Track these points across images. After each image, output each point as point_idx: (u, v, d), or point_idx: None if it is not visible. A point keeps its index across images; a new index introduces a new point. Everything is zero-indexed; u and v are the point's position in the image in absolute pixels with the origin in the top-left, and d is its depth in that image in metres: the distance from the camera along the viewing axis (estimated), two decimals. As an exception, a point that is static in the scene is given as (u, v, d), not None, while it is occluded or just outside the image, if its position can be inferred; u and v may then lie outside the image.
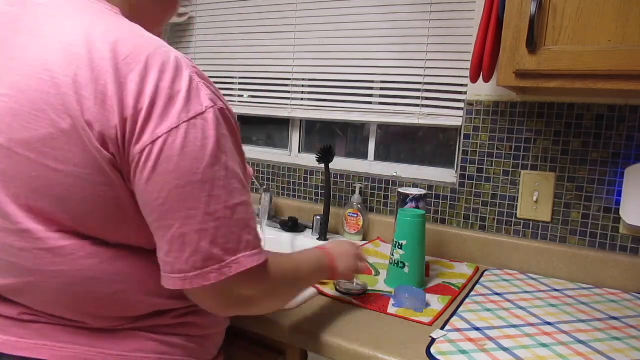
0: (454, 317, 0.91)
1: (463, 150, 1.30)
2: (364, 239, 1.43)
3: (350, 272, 0.88)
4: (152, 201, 0.56)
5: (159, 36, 0.61)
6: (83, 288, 0.59)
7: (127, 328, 0.62)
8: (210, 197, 0.56)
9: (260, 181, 1.66)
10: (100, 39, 0.55)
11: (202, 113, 0.56)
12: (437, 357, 0.76)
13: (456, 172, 1.35)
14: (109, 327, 0.62)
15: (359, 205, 1.42)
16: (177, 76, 0.56)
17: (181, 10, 1.72)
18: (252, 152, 1.73)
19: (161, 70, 0.55)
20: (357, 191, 1.43)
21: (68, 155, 0.54)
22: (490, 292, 1.05)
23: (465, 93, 1.29)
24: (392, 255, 1.07)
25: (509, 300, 1.00)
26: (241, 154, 0.64)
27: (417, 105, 1.38)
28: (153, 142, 0.54)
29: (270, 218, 1.48)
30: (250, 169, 0.69)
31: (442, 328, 0.86)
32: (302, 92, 1.58)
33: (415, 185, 1.38)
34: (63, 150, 0.54)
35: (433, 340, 0.81)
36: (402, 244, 1.04)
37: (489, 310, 0.95)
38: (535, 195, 1.21)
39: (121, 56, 0.54)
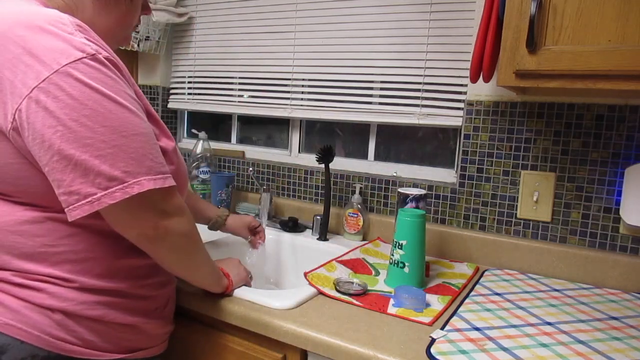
0: (454, 317, 0.91)
1: (463, 150, 1.30)
2: (364, 239, 1.43)
3: (242, 281, 1.00)
4: (49, 136, 0.62)
5: (114, 45, 0.73)
6: None
7: None
8: (104, 127, 0.64)
9: (260, 181, 1.66)
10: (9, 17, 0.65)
11: (84, 57, 0.64)
12: (437, 357, 0.76)
13: (456, 172, 1.35)
14: None
15: (359, 205, 1.42)
16: (59, 27, 0.65)
17: (181, 10, 1.72)
18: (252, 152, 1.73)
19: (35, 26, 0.64)
20: (357, 191, 1.43)
21: None
22: (490, 292, 1.05)
23: (465, 93, 1.29)
24: (392, 255, 1.07)
25: (509, 300, 1.01)
26: (136, 98, 0.71)
27: (417, 105, 1.38)
28: (41, 81, 0.62)
29: (270, 218, 1.48)
30: (170, 143, 0.78)
31: (442, 328, 0.86)
32: (302, 92, 1.58)
33: (415, 185, 1.38)
34: None
35: (433, 340, 0.81)
36: (402, 244, 1.04)
37: (489, 310, 0.95)
38: (535, 195, 1.21)
39: (9, 20, 0.65)
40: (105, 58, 0.67)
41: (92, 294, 0.72)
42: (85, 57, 0.64)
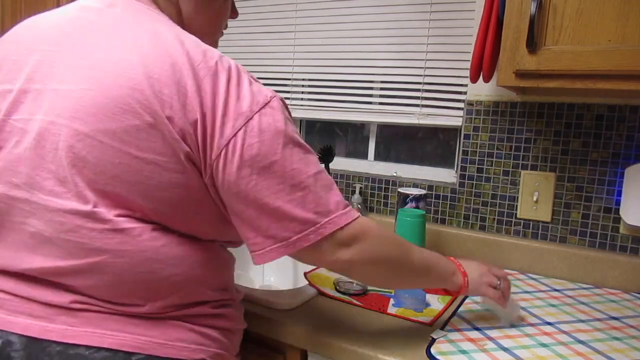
0: (454, 317, 0.91)
1: (463, 150, 1.30)
2: (364, 239, 1.42)
3: (484, 285, 0.84)
4: (244, 186, 0.63)
5: (212, 46, 0.69)
6: (143, 269, 0.63)
7: (171, 317, 0.66)
8: (293, 170, 0.64)
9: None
10: (176, 46, 0.62)
11: (268, 102, 0.64)
12: (437, 357, 0.76)
13: (456, 172, 1.35)
14: (156, 313, 0.65)
15: (359, 205, 1.41)
16: (240, 78, 0.64)
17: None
18: (252, 152, 1.72)
19: (228, 74, 0.63)
20: (357, 191, 1.43)
21: (149, 145, 0.60)
22: (490, 292, 1.05)
23: (465, 93, 1.29)
24: (392, 255, 1.07)
25: (509, 300, 1.00)
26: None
27: (417, 105, 1.38)
28: (235, 134, 0.61)
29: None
30: None
31: (442, 328, 0.86)
32: (302, 92, 1.58)
33: (415, 185, 1.38)
34: (146, 140, 0.60)
35: (433, 340, 0.81)
36: (402, 244, 1.04)
37: (489, 310, 0.95)
38: (535, 195, 1.21)
39: (195, 62, 0.62)
40: (278, 98, 0.67)
41: (238, 309, 0.78)
42: (270, 100, 0.65)
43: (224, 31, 0.88)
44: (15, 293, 0.63)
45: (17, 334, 0.60)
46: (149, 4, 0.70)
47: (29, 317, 0.61)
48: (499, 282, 0.85)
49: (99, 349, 0.61)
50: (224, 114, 0.61)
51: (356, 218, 0.69)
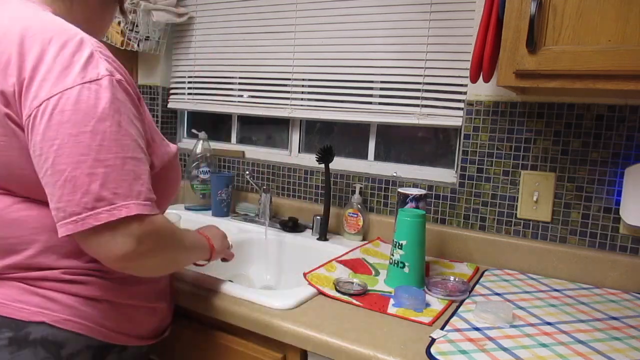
0: (454, 317, 0.91)
1: (463, 150, 1.30)
2: (364, 239, 1.43)
3: (224, 250, 1.00)
4: (46, 149, 0.63)
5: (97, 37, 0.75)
6: None
7: (11, 278, 0.69)
8: (101, 146, 0.64)
9: (260, 181, 1.66)
10: (17, 22, 0.68)
11: (97, 79, 0.66)
12: (437, 357, 0.76)
13: (456, 172, 1.35)
14: None
15: (359, 205, 1.42)
16: (78, 50, 0.67)
17: (181, 10, 1.72)
18: (252, 152, 1.73)
19: (63, 44, 0.66)
20: (357, 191, 1.43)
21: None
22: (490, 292, 1.05)
23: (465, 93, 1.29)
24: (392, 255, 1.07)
25: (509, 300, 1.00)
26: (143, 123, 0.73)
27: (417, 106, 1.38)
28: (48, 98, 0.63)
29: (270, 218, 1.48)
30: (173, 146, 0.83)
31: (442, 328, 0.86)
32: (302, 92, 1.58)
33: (415, 185, 1.38)
34: None
35: (433, 340, 0.81)
36: (402, 244, 1.04)
37: (488, 310, 0.95)
38: (535, 195, 1.21)
39: (30, 33, 0.66)
40: (117, 81, 0.68)
41: (124, 282, 0.76)
42: (99, 79, 0.66)
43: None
44: None
45: None
46: (41, 1, 0.75)
47: None
48: (231, 244, 1.04)
49: None
50: (43, 79, 0.64)
51: (155, 214, 0.68)
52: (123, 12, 0.90)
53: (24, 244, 0.68)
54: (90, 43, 0.69)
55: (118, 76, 0.69)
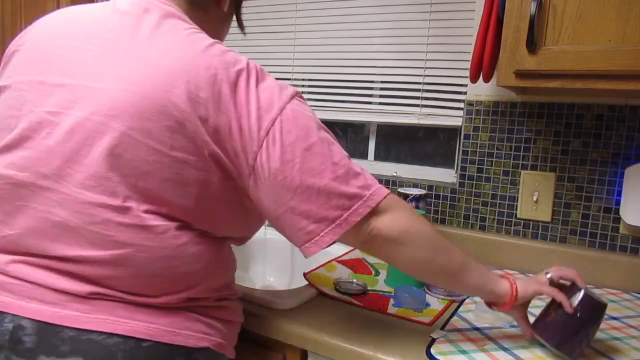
0: (454, 317, 0.91)
1: (463, 150, 1.30)
2: (364, 239, 1.42)
3: (532, 294, 0.80)
4: (289, 171, 0.65)
5: None
6: (163, 264, 0.66)
7: (179, 307, 0.69)
8: (331, 150, 0.68)
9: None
10: (208, 52, 0.67)
11: (295, 94, 0.70)
12: (437, 357, 0.76)
13: (456, 172, 1.35)
14: (165, 304, 0.68)
15: (359, 205, 1.41)
16: (264, 75, 0.70)
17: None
18: (252, 152, 1.72)
19: (255, 74, 0.68)
20: (357, 191, 1.42)
21: (181, 144, 0.63)
22: (490, 292, 1.05)
23: (465, 93, 1.29)
24: (392, 255, 1.07)
25: (509, 300, 1.00)
26: None
27: (417, 105, 1.38)
28: (272, 124, 0.65)
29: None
30: None
31: (442, 328, 0.86)
32: (302, 92, 1.57)
33: (415, 185, 1.38)
34: (177, 140, 0.63)
35: (433, 340, 0.81)
36: (402, 244, 1.04)
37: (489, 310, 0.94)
38: (535, 195, 1.21)
39: (228, 65, 0.66)
40: (300, 93, 0.73)
41: (238, 302, 0.81)
42: (295, 94, 0.70)
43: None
44: (28, 279, 0.64)
45: (28, 318, 0.62)
46: (179, 10, 0.74)
47: (41, 302, 0.63)
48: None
49: (112, 334, 0.63)
50: (258, 108, 0.65)
51: (389, 192, 0.71)
52: (240, 23, 0.91)
53: (198, 277, 0.69)
54: (258, 66, 0.71)
55: (296, 90, 0.72)
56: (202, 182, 0.65)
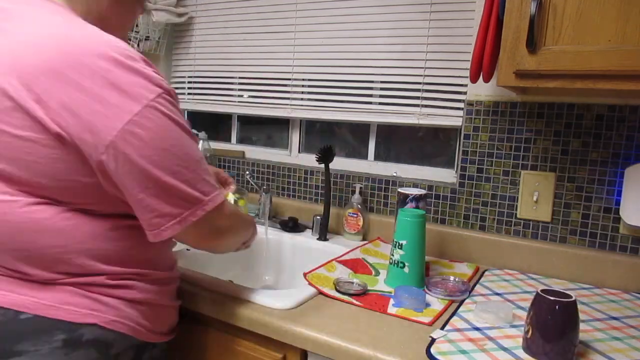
0: (454, 317, 0.91)
1: (463, 150, 1.30)
2: (364, 239, 1.43)
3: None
4: (145, 166, 0.68)
5: (124, 37, 0.75)
6: (24, 238, 0.68)
7: (62, 282, 0.71)
8: (186, 154, 0.72)
9: (260, 181, 1.66)
10: (65, 35, 0.67)
11: (162, 91, 0.70)
12: (437, 357, 0.76)
13: (456, 172, 1.35)
14: (45, 279, 0.70)
15: (359, 205, 1.42)
16: (135, 65, 0.68)
17: (181, 10, 1.72)
18: (252, 152, 1.73)
19: (121, 61, 0.67)
20: (357, 191, 1.43)
21: (24, 123, 0.65)
22: (490, 292, 1.05)
23: (465, 93, 1.29)
24: (392, 255, 1.07)
25: (509, 300, 1.00)
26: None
27: (417, 106, 1.38)
28: (131, 120, 0.66)
29: (270, 218, 1.48)
30: None
31: (442, 328, 0.86)
32: (302, 92, 1.58)
33: (415, 185, 1.38)
34: (20, 119, 0.65)
35: (433, 340, 0.81)
36: (402, 244, 1.04)
37: (489, 310, 0.94)
38: (535, 195, 1.21)
39: (84, 50, 0.66)
40: (172, 92, 0.73)
41: (157, 284, 0.81)
42: (163, 92, 0.70)
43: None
44: None
45: None
46: (59, 2, 0.74)
47: None
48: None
49: None
50: (119, 99, 0.66)
51: (224, 199, 0.80)
52: (141, 12, 0.91)
53: (70, 252, 0.70)
54: (136, 53, 0.70)
55: (167, 87, 0.72)
56: (53, 160, 0.66)
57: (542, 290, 0.78)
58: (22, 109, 0.64)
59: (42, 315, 0.68)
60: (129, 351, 0.76)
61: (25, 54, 0.65)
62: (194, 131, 1.68)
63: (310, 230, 1.46)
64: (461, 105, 1.31)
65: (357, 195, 1.42)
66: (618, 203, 1.13)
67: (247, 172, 1.54)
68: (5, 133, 0.65)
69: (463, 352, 0.78)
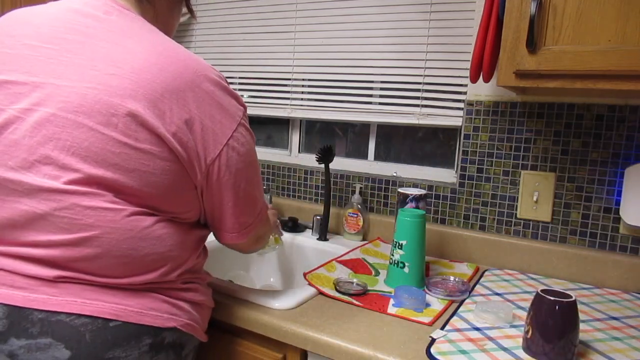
0: (454, 317, 0.91)
1: (463, 150, 1.30)
2: (364, 239, 1.43)
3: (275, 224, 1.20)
4: (239, 178, 0.78)
5: None
6: (128, 245, 0.69)
7: (145, 289, 0.73)
8: (257, 168, 0.83)
9: (260, 181, 1.66)
10: (174, 54, 0.71)
11: (244, 111, 0.79)
12: (437, 357, 0.76)
13: (456, 172, 1.35)
14: (132, 285, 0.71)
15: (359, 205, 1.42)
16: (226, 87, 0.76)
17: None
18: (252, 152, 1.72)
19: (219, 83, 0.74)
20: (357, 191, 1.43)
21: (146, 137, 0.67)
22: (490, 292, 1.05)
23: (465, 93, 1.29)
24: (392, 255, 1.07)
25: (509, 300, 1.00)
26: None
27: (417, 106, 1.38)
28: (231, 135, 0.75)
29: (270, 218, 1.48)
30: None
31: (442, 328, 0.86)
32: (302, 92, 1.58)
33: (415, 185, 1.38)
34: (142, 133, 0.67)
35: (433, 340, 0.81)
36: (402, 244, 1.04)
37: (489, 310, 0.94)
38: (535, 195, 1.21)
39: (193, 70, 0.71)
40: (246, 107, 0.81)
41: (208, 287, 0.87)
42: (245, 110, 0.79)
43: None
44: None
45: (0, 303, 0.65)
46: (137, 12, 0.77)
47: (11, 288, 0.66)
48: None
49: (80, 315, 0.66)
50: (222, 115, 0.74)
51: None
52: (190, 10, 0.93)
53: (162, 259, 0.73)
54: (221, 75, 0.77)
55: (243, 101, 0.80)
56: (166, 172, 0.70)
57: (542, 290, 0.78)
58: (146, 124, 0.67)
59: (131, 321, 0.69)
60: (193, 351, 0.81)
61: (148, 72, 0.68)
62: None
63: (310, 230, 1.46)
64: (461, 105, 1.31)
65: (357, 195, 1.42)
66: (618, 203, 1.13)
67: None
68: (126, 145, 0.67)
69: (463, 352, 0.78)
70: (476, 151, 1.28)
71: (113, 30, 0.71)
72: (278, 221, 1.26)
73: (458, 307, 0.96)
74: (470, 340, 0.82)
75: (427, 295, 1.00)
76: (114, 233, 0.68)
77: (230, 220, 0.81)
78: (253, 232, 0.85)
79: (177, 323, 0.74)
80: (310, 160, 1.55)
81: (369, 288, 1.03)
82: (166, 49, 0.71)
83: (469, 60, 1.24)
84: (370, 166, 1.51)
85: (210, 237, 0.86)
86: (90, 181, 0.67)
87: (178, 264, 0.75)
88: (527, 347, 0.78)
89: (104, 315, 0.67)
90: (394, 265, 1.06)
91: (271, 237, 1.26)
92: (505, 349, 0.79)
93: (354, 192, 1.44)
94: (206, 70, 0.73)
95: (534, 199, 1.21)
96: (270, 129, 1.75)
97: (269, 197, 1.49)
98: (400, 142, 1.50)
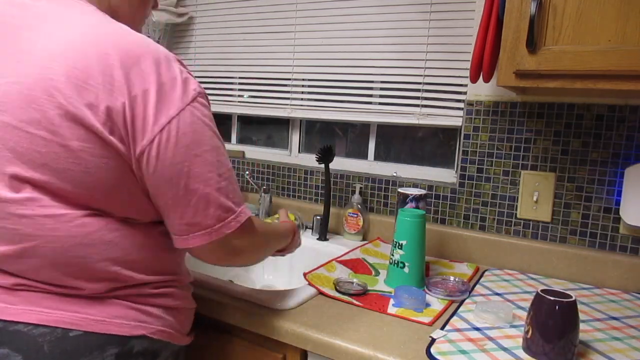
0: (454, 317, 0.91)
1: (463, 150, 1.30)
2: (364, 239, 1.43)
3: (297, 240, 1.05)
4: (177, 172, 0.66)
5: (139, 32, 0.70)
6: (76, 253, 0.65)
7: (110, 296, 0.69)
8: (219, 161, 0.70)
9: (260, 181, 1.66)
10: (103, 37, 0.64)
11: (197, 95, 0.68)
12: (437, 357, 0.76)
13: (456, 172, 1.35)
14: (94, 293, 0.68)
15: (359, 205, 1.42)
16: (171, 67, 0.67)
17: (181, 10, 1.72)
18: (252, 152, 1.73)
19: (157, 63, 0.65)
20: (357, 191, 1.43)
21: (73, 132, 0.61)
22: (490, 292, 1.05)
23: (465, 93, 1.29)
24: (392, 255, 1.07)
25: (509, 300, 1.00)
26: None
27: (417, 106, 1.38)
28: (169, 122, 0.65)
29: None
30: None
31: (442, 328, 0.86)
32: (302, 92, 1.58)
33: (415, 185, 1.38)
34: (69, 128, 0.61)
35: (433, 340, 0.81)
36: (402, 244, 1.04)
37: (489, 310, 0.94)
38: (535, 195, 1.21)
39: (124, 51, 0.64)
40: (204, 93, 0.71)
41: (186, 289, 0.82)
42: (198, 95, 0.68)
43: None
44: None
45: None
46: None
47: None
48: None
49: (37, 325, 0.63)
50: (158, 101, 0.64)
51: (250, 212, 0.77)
52: (155, 6, 0.87)
53: (119, 264, 0.68)
54: (167, 54, 0.68)
55: (201, 89, 0.70)
56: (103, 170, 0.64)
57: (542, 291, 0.78)
58: (73, 118, 0.61)
59: (92, 331, 0.66)
60: (172, 356, 0.77)
61: (71, 58, 0.62)
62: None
63: (310, 230, 1.46)
64: (461, 105, 1.31)
65: (357, 195, 1.42)
66: (618, 203, 1.13)
67: (247, 172, 1.54)
68: (53, 143, 0.61)
69: (463, 352, 0.78)
70: (476, 151, 1.28)
71: (39, 17, 0.66)
72: (299, 233, 1.09)
73: (458, 307, 0.96)
74: (470, 340, 0.82)
75: (427, 295, 1.00)
76: (57, 242, 0.64)
77: (174, 221, 0.70)
78: (215, 239, 0.70)
79: (147, 331, 0.70)
80: (310, 160, 1.55)
81: (369, 288, 1.03)
82: (96, 33, 0.64)
83: (469, 60, 1.24)
84: (370, 166, 1.51)
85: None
86: (20, 186, 0.62)
87: (141, 268, 0.71)
88: (527, 347, 0.78)
89: (63, 325, 0.64)
90: (394, 265, 1.06)
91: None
92: (505, 349, 0.79)
93: (354, 192, 1.44)
94: (147, 51, 0.65)
95: (534, 199, 1.21)
96: (270, 129, 1.75)
97: (269, 197, 1.49)
98: (400, 142, 1.50)
